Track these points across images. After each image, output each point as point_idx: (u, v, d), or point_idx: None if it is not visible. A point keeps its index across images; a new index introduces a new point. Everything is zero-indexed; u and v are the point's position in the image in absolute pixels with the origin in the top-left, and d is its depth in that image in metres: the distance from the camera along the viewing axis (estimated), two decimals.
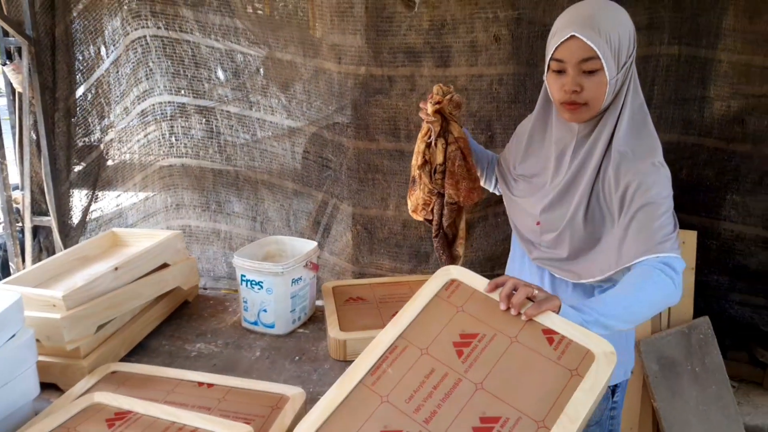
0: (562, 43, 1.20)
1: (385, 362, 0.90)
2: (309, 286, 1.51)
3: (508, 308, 1.00)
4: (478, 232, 2.47)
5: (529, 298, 1.01)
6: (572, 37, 1.18)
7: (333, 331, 1.35)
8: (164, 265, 1.48)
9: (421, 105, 1.45)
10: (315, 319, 1.55)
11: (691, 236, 2.18)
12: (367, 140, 2.47)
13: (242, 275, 1.44)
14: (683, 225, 2.25)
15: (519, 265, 1.50)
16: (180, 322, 1.52)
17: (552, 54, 1.22)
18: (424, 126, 1.48)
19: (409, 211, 1.62)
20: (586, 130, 1.30)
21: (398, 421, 0.82)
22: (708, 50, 2.14)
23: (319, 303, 1.63)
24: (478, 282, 1.04)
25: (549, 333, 0.93)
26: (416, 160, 1.52)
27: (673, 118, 2.23)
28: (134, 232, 1.60)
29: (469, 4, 2.22)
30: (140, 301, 1.37)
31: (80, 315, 1.21)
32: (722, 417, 2.08)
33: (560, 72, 1.22)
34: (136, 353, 1.37)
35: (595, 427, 1.48)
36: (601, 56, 1.17)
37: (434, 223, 1.56)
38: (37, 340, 1.20)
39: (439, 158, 1.46)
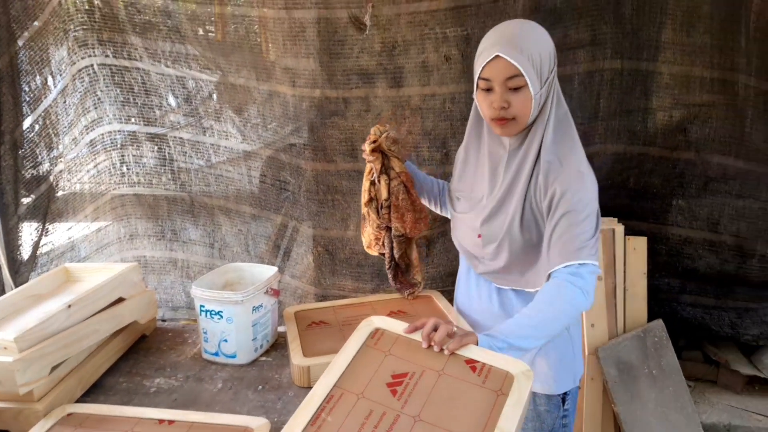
0: (488, 62, 1.27)
1: (323, 412, 0.95)
2: (270, 312, 1.50)
3: (431, 345, 1.09)
4: (439, 248, 2.50)
5: (449, 335, 1.10)
6: (497, 56, 1.25)
7: (296, 357, 1.35)
8: (120, 300, 1.45)
9: (362, 147, 1.56)
10: (277, 345, 1.54)
11: (642, 242, 2.26)
12: (325, 162, 2.48)
13: (201, 305, 1.42)
14: (634, 231, 2.34)
15: (466, 281, 1.57)
16: (138, 357, 1.49)
17: (479, 73, 1.30)
18: (367, 165, 1.59)
19: (364, 247, 1.72)
20: (517, 143, 1.38)
21: None
22: (649, 63, 2.24)
23: (281, 329, 1.62)
24: (399, 327, 1.14)
25: (471, 362, 1.04)
26: (363, 197, 1.63)
27: (619, 129, 2.31)
28: (88, 267, 1.56)
29: (418, 25, 2.26)
30: (96, 338, 1.34)
31: (33, 357, 1.17)
32: (680, 417, 2.14)
33: (488, 90, 1.31)
34: (92, 393, 1.33)
35: None
36: (524, 74, 1.25)
37: (386, 256, 1.66)
38: None
39: (384, 194, 1.57)
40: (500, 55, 1.24)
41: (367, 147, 1.54)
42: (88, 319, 1.33)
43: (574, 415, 1.57)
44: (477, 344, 1.10)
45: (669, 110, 2.29)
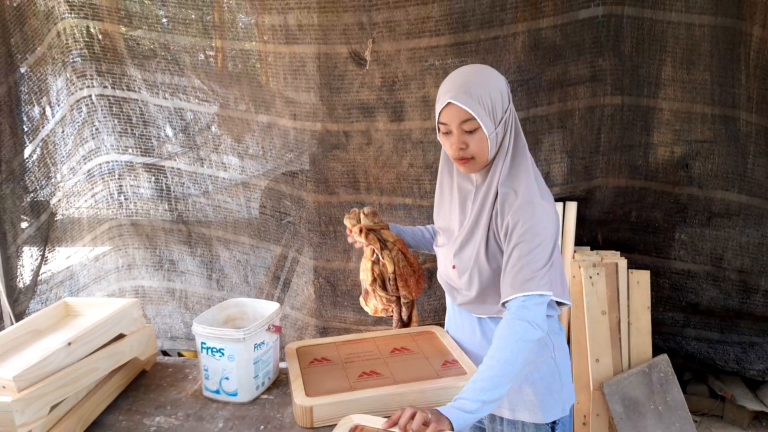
0: (443, 108, 1.37)
1: None
2: (272, 349, 1.48)
3: None
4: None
5: (425, 424, 1.14)
6: (449, 103, 1.35)
7: (299, 397, 1.32)
8: (120, 336, 1.43)
9: (349, 240, 1.66)
10: (279, 382, 1.52)
11: (645, 276, 2.25)
12: (327, 194, 2.48)
13: (202, 343, 1.40)
14: (637, 265, 2.33)
15: (451, 312, 1.65)
16: (137, 394, 1.46)
17: (438, 118, 1.40)
18: (366, 249, 1.66)
19: (370, 314, 1.75)
20: (481, 178, 1.48)
21: None
22: (650, 99, 2.26)
23: (282, 365, 1.59)
24: (378, 422, 1.20)
25: None
26: (367, 277, 1.67)
27: (620, 164, 2.32)
28: (88, 302, 1.54)
29: (419, 60, 2.29)
30: (96, 376, 1.31)
31: (33, 396, 1.15)
32: None
33: (447, 133, 1.40)
34: (91, 431, 1.30)
35: None
36: (476, 117, 1.34)
37: (395, 320, 1.72)
38: None
39: (390, 267, 1.63)
40: (452, 102, 1.34)
41: (356, 236, 1.63)
42: (88, 357, 1.31)
43: None
44: (452, 428, 1.14)
45: (670, 146, 2.31)
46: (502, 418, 1.57)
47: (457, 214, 1.54)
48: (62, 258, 2.88)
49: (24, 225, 2.80)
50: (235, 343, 1.37)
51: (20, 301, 2.80)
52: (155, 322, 2.83)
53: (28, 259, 2.83)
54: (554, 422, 1.52)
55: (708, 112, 2.22)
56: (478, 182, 1.49)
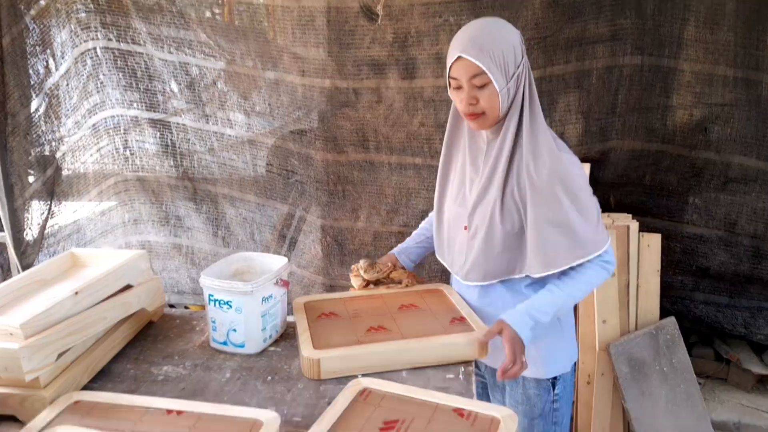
0: (453, 63, 1.35)
1: None
2: (280, 303, 1.47)
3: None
4: None
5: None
6: (460, 57, 1.32)
7: (306, 350, 1.32)
8: (127, 287, 1.42)
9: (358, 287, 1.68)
10: (287, 336, 1.51)
11: (656, 239, 2.23)
12: (336, 152, 2.44)
13: (210, 295, 1.39)
14: (648, 229, 2.30)
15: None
16: (145, 344, 1.46)
17: (448, 73, 1.38)
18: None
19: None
20: (493, 135, 1.44)
21: None
22: (670, 60, 2.19)
23: (290, 319, 1.59)
24: (387, 386, 1.19)
25: (458, 411, 1.11)
26: (356, 283, 1.69)
27: (637, 126, 2.27)
28: (95, 253, 1.53)
29: (432, 15, 2.22)
30: (103, 325, 1.31)
31: (40, 343, 1.15)
32: (691, 415, 2.12)
33: (458, 88, 1.38)
34: (99, 379, 1.30)
35: (539, 419, 1.58)
36: (487, 71, 1.31)
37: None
38: None
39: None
40: (462, 56, 1.31)
41: (358, 289, 1.67)
42: (95, 307, 1.30)
43: (567, 400, 1.62)
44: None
45: (689, 108, 2.25)
46: None
47: (468, 174, 1.51)
48: (69, 212, 2.88)
49: (31, 179, 2.79)
50: (242, 295, 1.36)
51: (28, 254, 2.81)
52: (162, 276, 2.84)
53: (35, 212, 2.83)
54: (555, 378, 1.56)
55: (730, 74, 2.16)
56: (489, 139, 1.46)
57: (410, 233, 2.44)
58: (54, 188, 2.85)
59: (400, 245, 1.78)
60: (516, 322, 1.37)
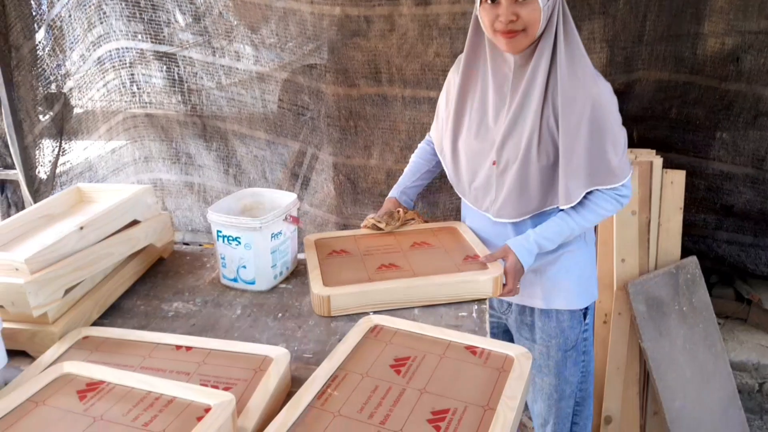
0: None
1: (329, 388, 0.97)
2: (290, 240, 1.43)
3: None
4: None
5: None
6: None
7: (316, 287, 1.29)
8: (135, 222, 1.39)
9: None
10: (297, 273, 1.49)
11: (680, 176, 2.14)
12: (347, 86, 2.35)
13: (218, 231, 1.36)
14: (672, 165, 2.21)
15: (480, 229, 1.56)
16: (155, 281, 1.45)
17: None
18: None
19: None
20: (523, 60, 1.34)
21: (355, 428, 0.88)
22: None
23: (301, 256, 1.56)
24: (399, 323, 1.16)
25: (470, 348, 1.09)
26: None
27: (665, 55, 2.15)
28: (101, 188, 1.50)
29: None
30: (110, 261, 1.29)
31: (46, 279, 1.13)
32: (709, 355, 2.09)
33: (494, 2, 1.27)
34: (109, 315, 1.30)
35: (572, 350, 1.57)
36: None
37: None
38: (1, 307, 1.13)
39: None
40: None
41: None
42: (101, 242, 1.28)
43: (593, 329, 1.63)
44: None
45: (721, 37, 2.11)
46: (533, 309, 1.55)
47: (491, 104, 1.41)
48: (80, 149, 2.85)
49: (40, 112, 2.75)
50: (251, 232, 1.33)
51: (41, 192, 2.80)
52: (176, 215, 2.83)
53: (46, 149, 2.81)
54: (586, 308, 1.56)
55: None
56: (519, 64, 1.35)
57: None
58: (63, 125, 2.80)
59: (396, 186, 1.71)
60: (521, 250, 1.37)
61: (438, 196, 2.40)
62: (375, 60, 2.29)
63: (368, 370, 1.03)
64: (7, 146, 2.75)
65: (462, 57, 1.47)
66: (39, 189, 2.81)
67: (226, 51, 2.50)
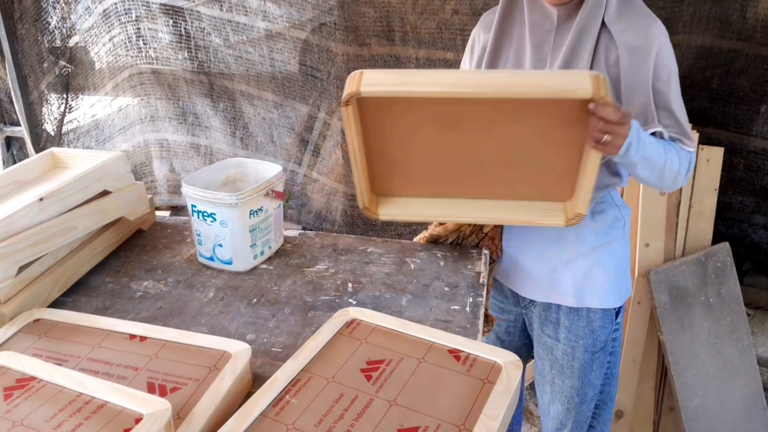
0: None
1: (287, 394, 0.86)
2: (273, 216, 1.32)
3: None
4: None
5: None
6: None
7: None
8: (105, 193, 1.29)
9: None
10: (282, 252, 1.38)
11: (717, 153, 1.94)
12: (357, 45, 2.19)
13: (192, 205, 1.25)
14: (710, 140, 2.01)
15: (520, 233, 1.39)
16: (130, 255, 1.36)
17: None
18: None
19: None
20: (567, 11, 1.18)
21: None
22: None
23: (288, 233, 1.45)
24: (378, 318, 1.04)
25: (454, 352, 0.96)
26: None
27: (709, 18, 1.92)
28: (76, 153, 1.40)
29: None
30: (73, 235, 1.19)
31: None
32: (735, 350, 1.93)
33: None
34: (73, 293, 1.21)
35: (600, 352, 1.41)
36: None
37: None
38: None
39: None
40: None
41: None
42: (64, 215, 1.18)
43: (623, 328, 1.47)
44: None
45: None
46: (559, 307, 1.39)
47: (528, 64, 1.24)
48: (86, 107, 2.77)
49: (46, 69, 2.66)
50: (227, 208, 1.21)
51: (47, 149, 2.74)
52: (182, 177, 2.74)
53: (52, 106, 2.74)
54: (619, 307, 1.39)
55: None
56: (561, 18, 1.18)
57: None
58: (69, 81, 2.72)
59: None
60: (636, 126, 1.10)
61: None
62: (388, 17, 2.12)
63: (335, 374, 0.92)
64: (12, 102, 2.68)
65: (492, 13, 1.30)
66: (45, 147, 2.75)
67: (234, 6, 2.36)
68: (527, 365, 1.67)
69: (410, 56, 2.17)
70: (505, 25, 1.26)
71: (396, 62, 2.19)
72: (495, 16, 1.27)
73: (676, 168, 1.17)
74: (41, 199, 1.14)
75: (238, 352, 0.95)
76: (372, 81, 1.03)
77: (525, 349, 1.57)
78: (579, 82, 0.99)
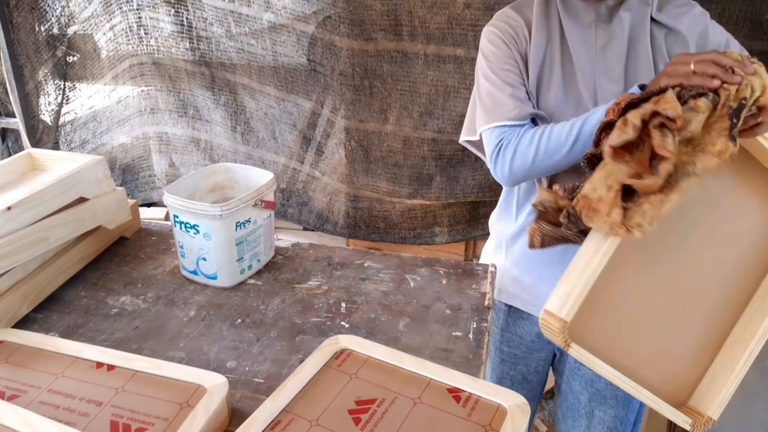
0: None
1: None
2: (263, 228, 1.22)
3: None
4: None
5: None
6: None
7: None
8: (82, 200, 1.20)
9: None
10: (272, 266, 1.28)
11: None
12: (363, 39, 2.08)
13: (175, 216, 1.16)
14: None
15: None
16: (109, 266, 1.27)
17: None
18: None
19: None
20: (608, 8, 1.08)
21: None
22: None
23: (280, 243, 1.35)
24: (371, 349, 0.94)
25: (454, 392, 0.87)
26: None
27: (738, 17, 1.79)
28: (54, 156, 1.31)
29: None
30: (44, 247, 1.10)
31: None
32: (754, 371, 1.81)
33: None
34: (45, 308, 1.12)
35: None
36: None
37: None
38: None
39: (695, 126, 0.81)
40: None
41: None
42: (35, 225, 1.09)
43: None
44: None
45: None
46: None
47: (577, 74, 1.13)
48: (84, 98, 2.68)
49: (42, 59, 2.58)
50: (211, 219, 1.12)
51: (43, 142, 2.66)
52: (181, 172, 2.65)
53: (49, 97, 2.65)
54: None
55: None
56: (601, 16, 1.08)
57: (445, 140, 2.12)
58: (66, 70, 2.63)
59: None
60: None
61: (460, 170, 2.14)
62: (395, 10, 2.01)
63: (320, 415, 0.82)
64: (7, 93, 2.60)
65: (518, 14, 1.17)
66: (41, 139, 2.67)
67: None
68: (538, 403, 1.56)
69: (418, 52, 2.06)
70: (543, 33, 1.13)
71: (403, 58, 2.08)
72: (533, 15, 1.14)
73: None
74: (9, 208, 1.05)
75: (214, 386, 0.86)
76: (565, 302, 0.85)
77: (542, 388, 1.47)
78: None
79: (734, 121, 0.81)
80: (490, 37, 1.19)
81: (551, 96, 1.11)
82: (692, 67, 0.85)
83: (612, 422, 1.35)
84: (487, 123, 1.14)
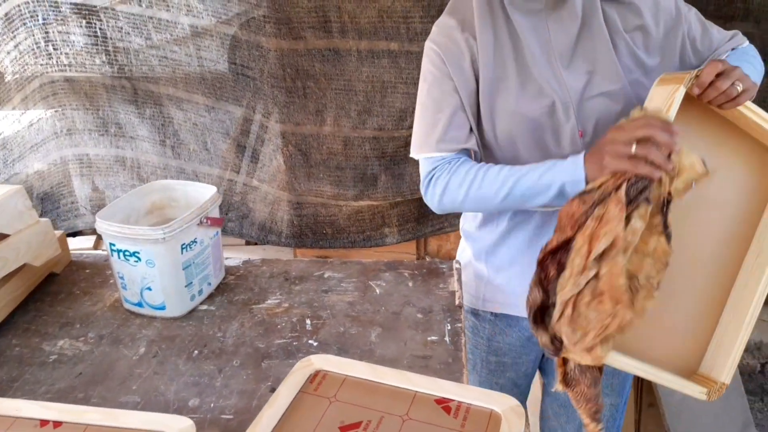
0: None
1: None
2: (210, 247, 1.13)
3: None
4: None
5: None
6: None
7: None
8: (2, 237, 1.07)
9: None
10: (224, 288, 1.19)
11: None
12: (291, 38, 2.00)
13: (111, 244, 1.05)
14: None
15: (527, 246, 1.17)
16: (41, 307, 1.14)
17: None
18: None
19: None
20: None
21: None
22: None
23: (231, 262, 1.26)
24: (347, 367, 0.88)
25: (443, 402, 0.82)
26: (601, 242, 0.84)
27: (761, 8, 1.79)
28: None
29: None
30: None
31: None
32: None
33: None
34: None
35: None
36: None
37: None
38: None
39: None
40: None
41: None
42: None
43: None
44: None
45: None
46: None
47: (536, 62, 1.04)
48: None
49: None
50: (152, 244, 1.02)
51: None
52: (107, 196, 2.48)
53: None
54: None
55: None
56: (550, 4, 1.01)
57: (386, 137, 2.07)
58: None
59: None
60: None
61: (404, 168, 2.09)
62: (323, 6, 1.94)
63: None
64: None
65: (457, 20, 1.08)
66: None
67: (154, 2, 2.12)
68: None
69: (350, 48, 1.99)
70: (488, 27, 1.04)
71: (335, 56, 2.01)
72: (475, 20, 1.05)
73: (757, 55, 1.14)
74: None
75: (183, 429, 0.77)
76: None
77: (528, 390, 1.44)
78: None
79: (665, 212, 0.85)
80: (429, 55, 1.09)
81: (510, 94, 1.05)
82: (633, 150, 0.84)
83: (609, 411, 1.34)
84: (420, 152, 1.09)
